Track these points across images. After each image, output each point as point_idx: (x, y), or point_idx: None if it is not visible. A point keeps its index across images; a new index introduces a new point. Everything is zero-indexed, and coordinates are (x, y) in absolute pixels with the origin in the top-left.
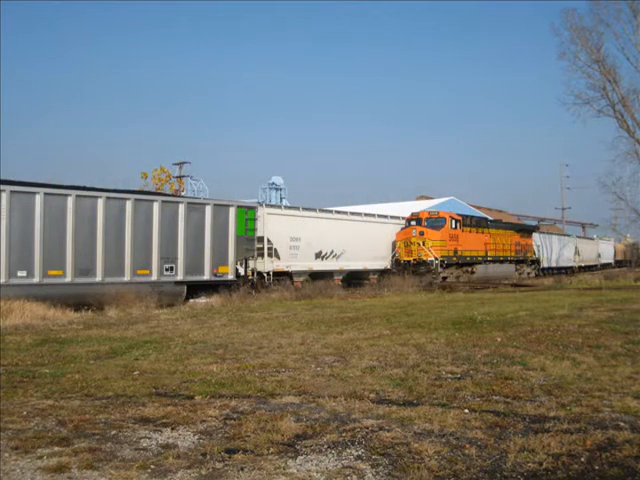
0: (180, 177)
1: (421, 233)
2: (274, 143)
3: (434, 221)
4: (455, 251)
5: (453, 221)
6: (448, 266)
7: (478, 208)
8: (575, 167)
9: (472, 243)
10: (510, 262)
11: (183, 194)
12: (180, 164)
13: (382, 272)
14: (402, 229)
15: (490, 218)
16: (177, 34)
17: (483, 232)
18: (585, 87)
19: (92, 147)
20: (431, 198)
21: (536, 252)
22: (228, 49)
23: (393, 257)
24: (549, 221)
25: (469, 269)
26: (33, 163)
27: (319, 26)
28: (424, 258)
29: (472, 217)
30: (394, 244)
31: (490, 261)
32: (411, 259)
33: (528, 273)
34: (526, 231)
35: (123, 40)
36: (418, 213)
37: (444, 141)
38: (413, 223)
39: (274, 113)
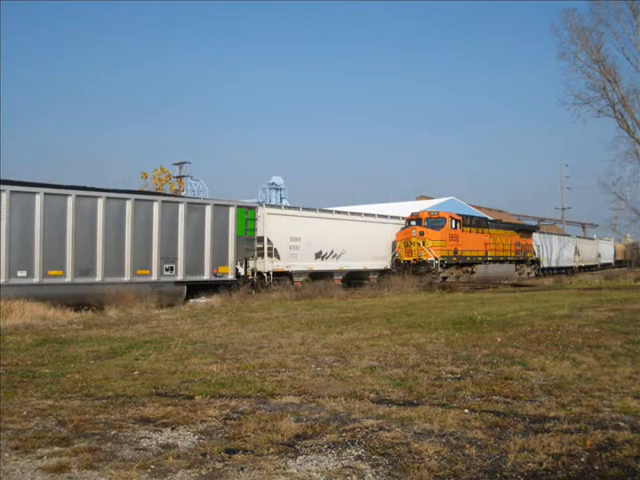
0: (180, 177)
1: (421, 233)
2: (274, 143)
3: (434, 221)
4: (455, 251)
5: (453, 221)
6: (448, 266)
7: (478, 208)
8: (575, 167)
9: (472, 243)
10: (510, 262)
11: (183, 194)
12: (180, 164)
13: (382, 272)
14: (402, 229)
15: (490, 218)
16: (177, 34)
17: (483, 232)
18: (585, 87)
19: (92, 147)
20: (431, 198)
21: (536, 252)
22: (228, 49)
23: (393, 257)
24: (549, 221)
25: (469, 269)
26: (33, 163)
27: (319, 26)
28: (424, 258)
29: (472, 217)
30: (394, 244)
31: (490, 261)
32: (411, 259)
33: (528, 273)
34: (526, 231)
35: (123, 40)
36: (418, 213)
37: (444, 141)
38: (413, 223)
39: (274, 113)
